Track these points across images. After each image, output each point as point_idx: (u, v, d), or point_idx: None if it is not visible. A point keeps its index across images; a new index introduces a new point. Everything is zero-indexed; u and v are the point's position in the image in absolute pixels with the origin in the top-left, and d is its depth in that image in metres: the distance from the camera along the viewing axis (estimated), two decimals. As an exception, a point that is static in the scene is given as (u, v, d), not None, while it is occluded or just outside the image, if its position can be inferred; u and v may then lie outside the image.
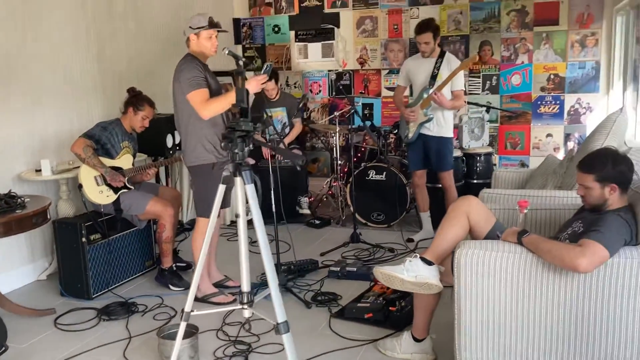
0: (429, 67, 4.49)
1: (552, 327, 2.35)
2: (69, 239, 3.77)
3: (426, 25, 4.43)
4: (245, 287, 2.33)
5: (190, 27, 3.40)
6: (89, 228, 3.76)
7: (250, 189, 2.21)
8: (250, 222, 2.33)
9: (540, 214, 2.88)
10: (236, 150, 2.10)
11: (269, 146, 2.25)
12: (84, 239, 3.71)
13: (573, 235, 2.44)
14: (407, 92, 4.91)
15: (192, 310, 2.34)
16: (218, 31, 3.44)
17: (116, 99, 4.04)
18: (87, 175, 3.78)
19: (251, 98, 5.78)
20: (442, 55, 4.49)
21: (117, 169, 3.87)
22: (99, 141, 3.82)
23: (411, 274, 2.57)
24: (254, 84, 3.24)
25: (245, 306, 2.32)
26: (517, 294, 2.35)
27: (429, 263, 2.59)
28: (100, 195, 3.81)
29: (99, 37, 4.68)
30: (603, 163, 2.38)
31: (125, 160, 3.94)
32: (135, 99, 3.93)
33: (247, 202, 2.28)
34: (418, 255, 2.63)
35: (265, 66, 3.23)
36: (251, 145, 2.13)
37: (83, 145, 3.73)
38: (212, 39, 3.42)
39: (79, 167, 3.84)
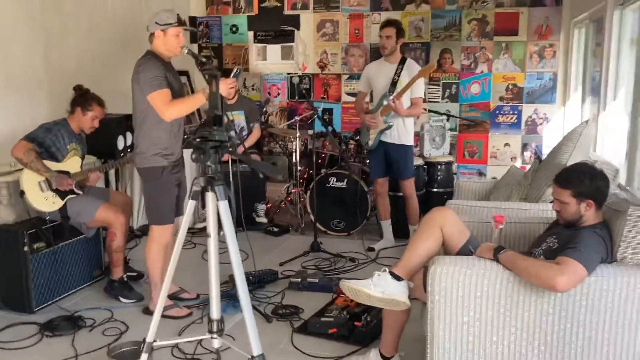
0: (389, 73, 4.40)
1: (528, 348, 2.27)
2: (8, 247, 3.47)
3: (391, 21, 4.43)
4: (215, 314, 2.09)
5: (156, 22, 3.20)
6: (31, 236, 3.48)
7: (224, 205, 1.97)
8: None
9: (511, 228, 2.81)
10: (209, 163, 1.88)
11: (247, 160, 2.00)
12: (26, 248, 3.43)
13: (548, 251, 2.37)
14: (367, 99, 4.81)
15: (154, 341, 2.09)
16: (184, 29, 3.29)
17: (64, 99, 3.74)
18: (30, 181, 3.49)
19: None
20: (402, 61, 4.40)
21: (64, 173, 3.60)
22: (43, 144, 3.54)
23: (378, 289, 2.45)
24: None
25: (215, 335, 2.09)
26: (493, 314, 2.27)
27: (398, 278, 2.48)
28: (46, 202, 3.53)
29: (46, 31, 4.37)
30: (580, 178, 2.33)
31: (72, 163, 3.68)
32: (83, 98, 3.67)
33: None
34: (387, 270, 2.51)
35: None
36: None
37: (24, 149, 3.44)
38: (179, 37, 3.24)
39: (21, 169, 3.54)
